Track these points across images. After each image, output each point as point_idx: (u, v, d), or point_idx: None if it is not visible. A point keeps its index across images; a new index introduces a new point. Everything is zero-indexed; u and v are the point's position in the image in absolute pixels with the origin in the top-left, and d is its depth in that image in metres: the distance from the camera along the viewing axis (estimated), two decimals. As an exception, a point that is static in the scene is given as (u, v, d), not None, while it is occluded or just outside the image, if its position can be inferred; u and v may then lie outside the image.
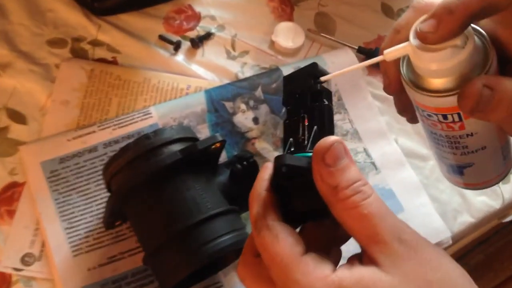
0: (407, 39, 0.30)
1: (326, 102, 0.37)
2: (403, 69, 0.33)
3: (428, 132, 0.36)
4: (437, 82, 0.30)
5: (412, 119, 0.40)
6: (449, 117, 0.31)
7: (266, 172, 0.33)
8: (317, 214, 0.32)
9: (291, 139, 0.36)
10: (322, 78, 0.38)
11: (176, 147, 0.44)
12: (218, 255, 0.41)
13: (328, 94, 0.38)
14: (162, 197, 0.42)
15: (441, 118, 0.32)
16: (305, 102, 0.38)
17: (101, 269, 0.47)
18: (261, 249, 0.30)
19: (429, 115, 0.32)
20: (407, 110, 0.38)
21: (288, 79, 0.42)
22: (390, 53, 0.31)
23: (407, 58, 0.32)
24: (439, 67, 0.29)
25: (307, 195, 0.31)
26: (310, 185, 0.30)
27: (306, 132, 0.36)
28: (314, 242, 0.32)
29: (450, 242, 0.53)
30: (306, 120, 0.36)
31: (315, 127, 0.36)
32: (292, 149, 0.35)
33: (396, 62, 0.33)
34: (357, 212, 0.28)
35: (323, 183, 0.29)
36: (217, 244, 0.41)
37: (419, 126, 0.55)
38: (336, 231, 0.33)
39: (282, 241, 0.29)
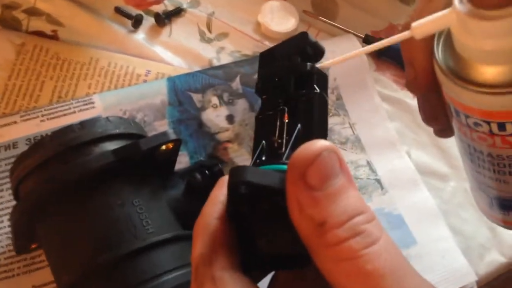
0: (445, 8, 0.21)
1: (318, 90, 0.27)
2: (439, 53, 0.24)
3: (469, 149, 0.26)
4: (494, 71, 0.21)
5: (444, 131, 0.30)
6: (509, 127, 0.23)
7: (221, 191, 0.22)
8: (293, 260, 0.21)
9: (263, 142, 0.26)
10: (320, 64, 0.28)
11: (111, 145, 0.32)
12: (157, 301, 0.29)
13: (321, 78, 0.28)
14: (84, 214, 0.31)
15: (494, 129, 0.23)
16: (287, 88, 0.28)
17: (6, 307, 0.35)
18: None
19: (476, 124, 0.23)
20: (438, 117, 0.28)
21: (266, 57, 0.31)
22: (421, 26, 0.22)
23: (445, 35, 0.24)
24: (499, 46, 0.20)
25: (278, 230, 0.20)
26: (283, 216, 0.19)
27: (285, 133, 0.26)
28: None
29: (475, 287, 0.41)
30: (285, 115, 0.26)
31: (299, 125, 0.26)
32: (263, 158, 0.25)
33: (427, 43, 0.24)
34: (355, 268, 0.18)
35: (301, 216, 0.19)
36: (156, 285, 0.29)
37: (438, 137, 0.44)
38: (325, 284, 0.20)
39: None
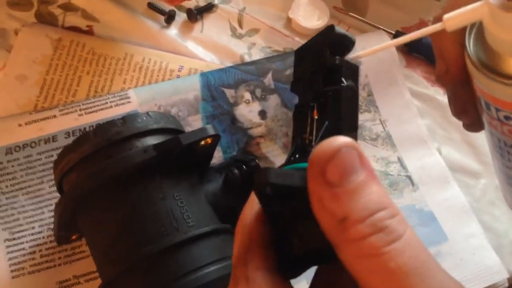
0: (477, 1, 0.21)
1: (345, 83, 0.27)
2: (470, 46, 0.24)
3: (499, 144, 0.26)
4: None
5: (473, 125, 0.29)
6: None
7: None
8: (327, 255, 0.21)
9: (298, 139, 0.26)
10: (352, 56, 0.27)
11: (152, 140, 0.33)
12: (199, 293, 0.29)
13: (351, 70, 0.28)
14: (127, 207, 0.31)
15: None
16: (316, 84, 0.27)
17: (47, 296, 0.36)
18: None
19: (507, 117, 0.23)
20: (468, 110, 0.28)
21: (301, 52, 0.31)
22: (453, 18, 0.22)
23: (477, 28, 0.24)
24: None
25: (308, 226, 0.20)
26: (310, 213, 0.19)
27: (314, 130, 0.25)
28: None
29: (507, 285, 0.41)
30: (314, 112, 0.26)
31: (326, 122, 0.25)
32: (297, 156, 0.25)
33: (458, 36, 0.25)
34: (377, 265, 0.17)
35: (323, 212, 0.18)
36: (197, 278, 0.30)
37: (468, 133, 0.44)
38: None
39: None
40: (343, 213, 0.18)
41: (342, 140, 0.19)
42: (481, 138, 0.46)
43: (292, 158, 0.24)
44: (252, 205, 0.22)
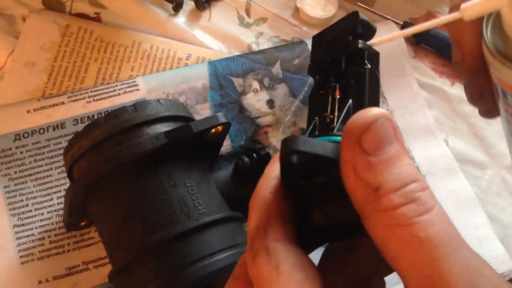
0: None
1: (369, 66, 0.28)
2: (487, 34, 0.24)
3: None
4: None
5: (490, 112, 0.29)
6: None
7: (274, 166, 0.22)
8: (347, 230, 0.22)
9: (316, 118, 0.26)
10: (372, 41, 0.28)
11: (162, 127, 0.32)
12: (209, 280, 0.29)
13: (373, 56, 0.29)
14: (138, 194, 0.31)
15: None
16: (339, 66, 0.28)
17: (56, 282, 0.36)
18: (255, 283, 0.20)
19: None
20: (484, 97, 0.29)
21: (319, 38, 0.31)
22: (471, 8, 0.22)
23: (495, 17, 0.24)
24: None
25: (332, 200, 0.20)
26: (337, 186, 0.19)
27: (337, 109, 0.26)
28: (342, 272, 0.23)
29: (512, 275, 0.41)
30: (337, 92, 0.27)
31: (350, 101, 0.26)
32: (316, 133, 0.25)
33: (476, 24, 0.25)
34: (408, 234, 0.18)
35: (356, 181, 0.19)
36: (208, 265, 0.30)
37: (475, 125, 0.44)
38: (377, 254, 0.20)
39: (284, 277, 0.19)
40: (377, 182, 0.18)
41: (378, 111, 0.19)
42: (488, 130, 0.46)
43: (310, 135, 0.24)
44: (268, 181, 0.21)
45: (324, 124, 0.26)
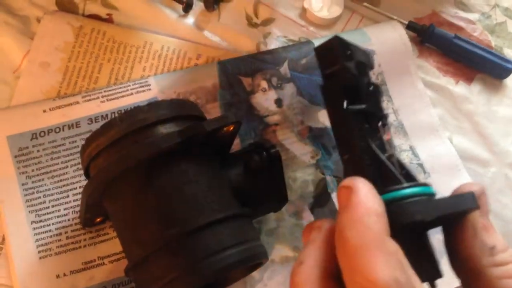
0: None
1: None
2: None
3: None
4: None
5: None
6: None
7: (318, 251, 0.23)
8: None
9: (379, 155, 0.26)
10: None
11: (176, 127, 0.34)
12: (221, 274, 0.31)
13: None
14: (153, 191, 0.32)
15: None
16: (376, 106, 0.29)
17: (73, 276, 0.37)
18: None
19: None
20: None
21: (323, 52, 0.31)
22: None
23: None
24: None
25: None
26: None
27: (391, 151, 0.27)
28: None
29: (514, 270, 0.42)
30: (388, 134, 0.31)
31: (395, 154, 0.28)
32: (393, 171, 0.26)
33: None
34: None
35: (475, 240, 0.24)
36: (221, 259, 0.31)
37: (478, 123, 0.45)
38: None
39: None
40: (492, 242, 0.23)
41: (482, 185, 0.25)
42: (491, 128, 0.47)
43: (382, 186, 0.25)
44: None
45: (385, 171, 0.26)
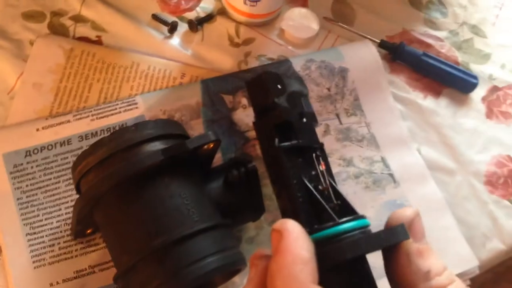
0: None
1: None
2: None
3: None
4: None
5: None
6: None
7: (286, 268, 0.22)
8: None
9: (315, 187, 0.27)
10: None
11: (160, 145, 0.36)
12: (202, 280, 0.33)
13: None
14: (139, 204, 0.35)
15: None
16: (312, 137, 0.30)
17: (65, 285, 0.40)
18: None
19: None
20: None
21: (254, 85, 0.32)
22: None
23: None
24: None
25: None
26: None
27: (330, 184, 0.27)
28: None
29: (477, 272, 0.45)
30: (323, 164, 0.28)
31: (335, 185, 0.27)
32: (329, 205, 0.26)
33: None
34: None
35: (410, 267, 0.24)
36: (202, 266, 0.33)
37: (445, 134, 0.48)
38: None
39: None
40: (427, 267, 0.24)
41: (413, 209, 0.25)
42: (457, 139, 0.50)
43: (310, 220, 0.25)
44: (301, 262, 0.21)
45: (323, 197, 0.26)
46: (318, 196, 0.26)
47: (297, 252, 0.21)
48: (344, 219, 0.25)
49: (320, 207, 0.26)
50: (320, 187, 0.27)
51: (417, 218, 0.25)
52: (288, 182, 0.26)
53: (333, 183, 0.27)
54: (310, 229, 0.24)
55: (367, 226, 0.25)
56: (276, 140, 0.28)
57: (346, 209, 0.26)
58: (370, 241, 0.24)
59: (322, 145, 0.29)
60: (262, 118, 0.30)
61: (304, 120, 0.29)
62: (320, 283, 0.21)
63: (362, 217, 0.25)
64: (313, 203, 0.26)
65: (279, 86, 0.29)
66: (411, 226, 0.24)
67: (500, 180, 0.49)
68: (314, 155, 0.28)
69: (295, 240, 0.21)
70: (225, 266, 0.35)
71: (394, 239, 0.24)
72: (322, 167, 0.27)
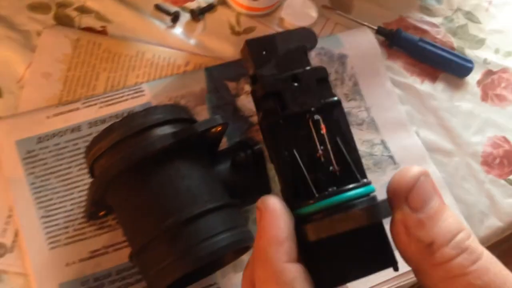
0: None
1: (336, 97, 0.27)
2: None
3: None
4: None
5: None
6: None
7: (279, 230, 0.21)
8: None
9: (306, 154, 0.25)
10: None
11: (170, 129, 0.38)
12: (214, 256, 0.35)
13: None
14: (151, 186, 0.36)
15: None
16: (311, 94, 0.26)
17: (81, 264, 0.41)
18: None
19: None
20: None
21: (257, 47, 0.29)
22: None
23: None
24: None
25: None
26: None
27: (329, 147, 0.24)
28: None
29: (475, 248, 0.47)
30: (323, 127, 0.25)
31: (338, 139, 0.25)
32: (320, 174, 0.24)
33: None
34: (465, 284, 0.19)
35: (409, 239, 0.20)
36: (213, 243, 0.35)
37: (442, 117, 0.49)
38: None
39: None
40: (429, 238, 0.19)
41: (418, 169, 0.21)
42: (454, 121, 0.52)
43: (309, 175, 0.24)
44: (278, 247, 0.20)
45: (314, 161, 0.24)
46: (303, 168, 0.24)
47: (273, 234, 0.21)
48: (326, 192, 0.23)
49: (317, 177, 0.24)
50: (322, 147, 0.24)
51: (420, 182, 0.21)
52: (276, 156, 0.25)
53: (340, 145, 0.24)
54: (292, 205, 0.23)
55: (357, 196, 0.23)
56: (260, 115, 0.26)
57: (349, 174, 0.24)
58: (347, 221, 0.21)
59: (331, 103, 0.26)
60: (255, 86, 0.28)
61: (298, 83, 0.25)
62: (306, 258, 0.21)
63: (367, 184, 0.23)
64: (312, 172, 0.24)
65: (264, 53, 0.27)
66: (409, 194, 0.20)
67: (496, 160, 0.51)
68: (311, 120, 0.25)
69: (272, 220, 0.21)
70: (236, 243, 0.36)
71: (374, 218, 0.21)
72: (323, 131, 0.24)
